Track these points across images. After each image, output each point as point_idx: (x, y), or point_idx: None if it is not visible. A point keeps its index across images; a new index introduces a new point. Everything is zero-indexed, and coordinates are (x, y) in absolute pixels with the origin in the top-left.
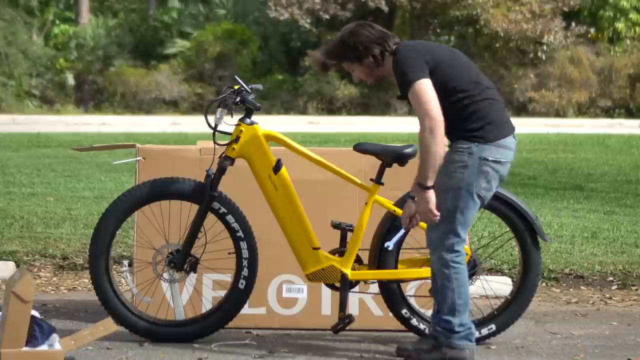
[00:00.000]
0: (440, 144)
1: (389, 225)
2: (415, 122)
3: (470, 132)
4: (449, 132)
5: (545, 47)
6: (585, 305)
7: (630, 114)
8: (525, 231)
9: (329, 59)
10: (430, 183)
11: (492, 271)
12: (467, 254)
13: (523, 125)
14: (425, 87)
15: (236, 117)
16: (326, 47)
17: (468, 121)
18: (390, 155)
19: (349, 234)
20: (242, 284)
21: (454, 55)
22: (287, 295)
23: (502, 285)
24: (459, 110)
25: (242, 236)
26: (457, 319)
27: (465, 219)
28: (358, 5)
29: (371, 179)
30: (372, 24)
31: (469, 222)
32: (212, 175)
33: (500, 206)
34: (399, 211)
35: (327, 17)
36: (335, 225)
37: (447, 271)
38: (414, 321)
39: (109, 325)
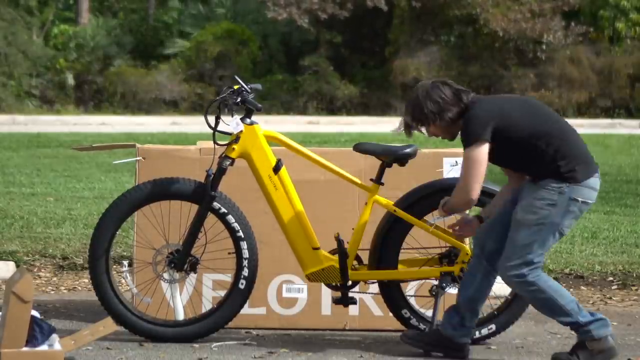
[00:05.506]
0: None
1: (389, 225)
2: None
3: (562, 172)
4: (538, 171)
5: (545, 47)
6: (586, 305)
7: (630, 114)
8: None
9: (415, 125)
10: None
11: None
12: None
13: None
14: (480, 155)
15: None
16: (408, 110)
17: (558, 162)
18: (390, 156)
19: None
20: (242, 284)
21: (525, 106)
22: (287, 295)
23: (502, 285)
24: (546, 154)
25: (242, 236)
26: (575, 317)
27: (541, 251)
28: (356, 5)
29: (371, 179)
30: (447, 81)
31: (545, 252)
32: (212, 175)
33: None
34: (399, 211)
35: (325, 17)
36: None
37: (534, 287)
38: (414, 321)
39: (109, 325)
